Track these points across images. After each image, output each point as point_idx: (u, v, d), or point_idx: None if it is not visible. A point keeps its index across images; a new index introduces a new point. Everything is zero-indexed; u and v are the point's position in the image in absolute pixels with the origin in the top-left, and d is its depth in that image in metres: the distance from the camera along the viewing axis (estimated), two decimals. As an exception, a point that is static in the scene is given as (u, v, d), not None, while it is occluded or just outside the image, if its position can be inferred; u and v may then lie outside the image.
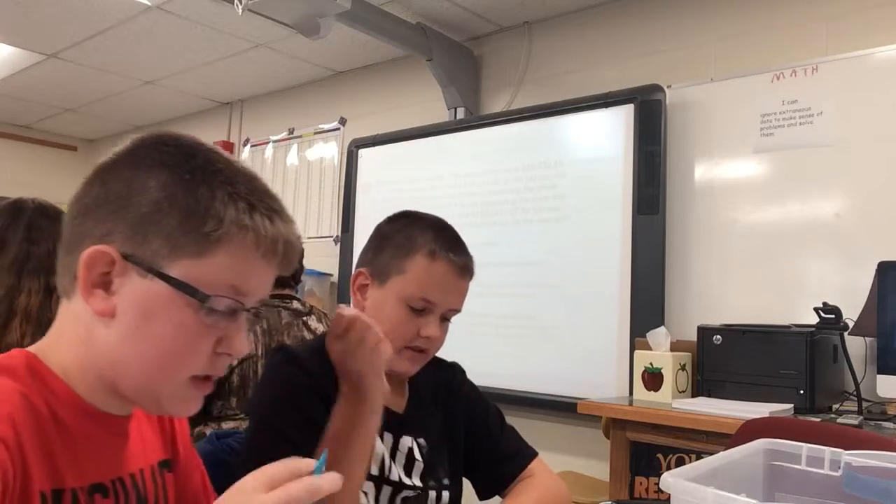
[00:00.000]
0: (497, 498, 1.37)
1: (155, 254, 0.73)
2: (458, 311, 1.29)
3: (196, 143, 0.79)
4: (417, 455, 1.29)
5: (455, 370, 1.45)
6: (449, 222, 1.33)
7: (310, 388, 1.18)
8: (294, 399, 1.17)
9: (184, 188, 0.74)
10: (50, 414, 0.72)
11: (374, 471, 1.24)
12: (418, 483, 1.28)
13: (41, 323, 1.55)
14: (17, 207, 1.68)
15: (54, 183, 6.10)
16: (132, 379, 0.75)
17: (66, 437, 0.73)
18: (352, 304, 1.31)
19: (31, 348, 0.78)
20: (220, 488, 1.04)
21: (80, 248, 0.74)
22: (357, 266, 1.32)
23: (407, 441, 1.29)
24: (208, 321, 0.75)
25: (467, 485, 1.41)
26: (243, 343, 0.78)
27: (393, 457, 1.27)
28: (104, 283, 0.74)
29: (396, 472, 1.27)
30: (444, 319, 1.28)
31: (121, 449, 0.80)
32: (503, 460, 1.38)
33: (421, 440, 1.31)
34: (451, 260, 1.24)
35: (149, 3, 3.43)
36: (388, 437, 1.28)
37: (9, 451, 0.66)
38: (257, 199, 0.76)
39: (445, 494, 1.32)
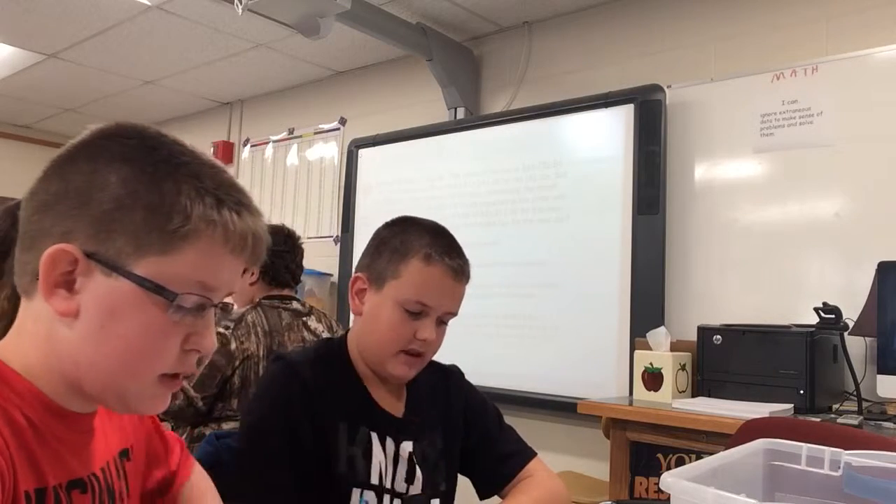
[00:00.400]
0: (496, 498, 1.37)
1: (119, 252, 0.71)
2: (454, 314, 1.30)
3: (158, 134, 0.76)
4: (417, 461, 1.29)
5: (453, 373, 1.45)
6: (446, 227, 1.34)
7: (302, 403, 1.20)
8: (282, 415, 1.19)
9: (147, 183, 0.71)
10: (19, 415, 0.71)
11: (375, 480, 1.24)
12: (418, 490, 1.28)
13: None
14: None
15: (54, 183, 6.11)
16: (97, 379, 0.73)
17: (38, 436, 0.72)
18: (350, 308, 1.32)
19: None
20: (220, 488, 1.05)
21: (39, 245, 0.72)
22: (355, 270, 1.33)
23: (407, 447, 1.29)
24: (175, 318, 0.73)
25: (467, 484, 1.41)
26: (211, 339, 0.77)
27: (395, 463, 1.27)
28: (66, 283, 0.71)
29: (398, 480, 1.27)
30: (441, 323, 1.29)
31: (88, 445, 0.79)
32: (502, 460, 1.38)
33: (420, 445, 1.31)
34: (446, 263, 1.25)
35: (149, 3, 3.43)
36: (390, 443, 1.28)
37: (0, 451, 0.66)
38: (224, 192, 0.74)
39: (441, 500, 1.32)
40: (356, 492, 1.22)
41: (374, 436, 1.26)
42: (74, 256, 0.71)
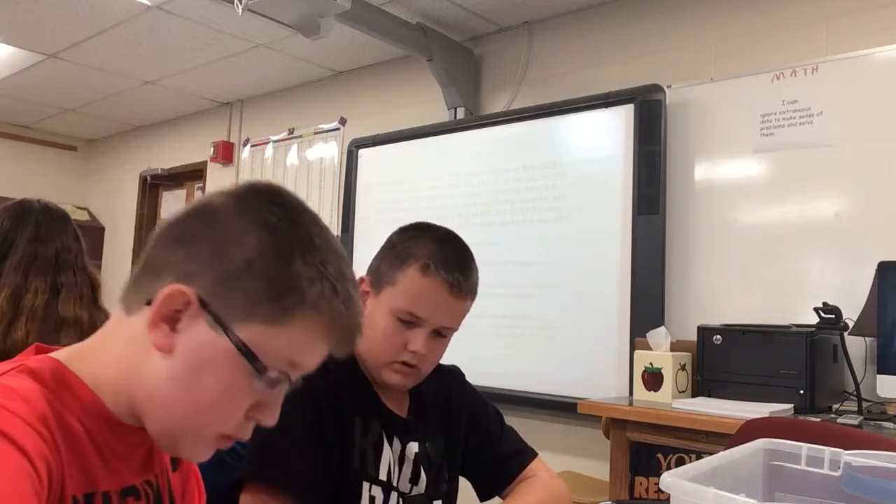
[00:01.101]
0: (497, 498, 1.37)
1: (231, 310, 0.73)
2: (452, 329, 1.26)
3: (302, 209, 0.79)
4: (422, 461, 1.30)
5: (454, 374, 1.45)
6: (461, 237, 1.29)
7: (325, 394, 1.19)
8: (307, 404, 1.16)
9: (279, 256, 0.74)
10: (76, 422, 0.72)
11: (383, 476, 1.24)
12: (422, 490, 1.28)
13: (46, 321, 1.57)
14: (24, 209, 1.70)
15: (55, 183, 6.12)
16: (163, 418, 0.75)
17: (93, 444, 0.74)
18: None
19: (60, 355, 0.77)
20: (220, 488, 1.05)
21: (161, 273, 0.74)
22: (366, 273, 1.31)
23: (413, 447, 1.29)
24: (255, 387, 0.75)
25: (467, 485, 1.41)
26: (275, 415, 0.78)
27: (400, 463, 1.27)
28: (172, 320, 0.73)
29: (402, 480, 1.27)
30: (439, 335, 1.25)
31: (141, 455, 0.80)
32: (503, 460, 1.38)
33: (425, 446, 1.31)
34: (443, 277, 1.20)
35: (149, 3, 3.43)
36: (397, 442, 1.27)
37: (48, 448, 0.67)
38: (341, 283, 0.76)
39: (444, 502, 1.32)
40: (366, 485, 1.22)
41: (384, 433, 1.26)
42: (190, 300, 0.73)
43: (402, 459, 1.28)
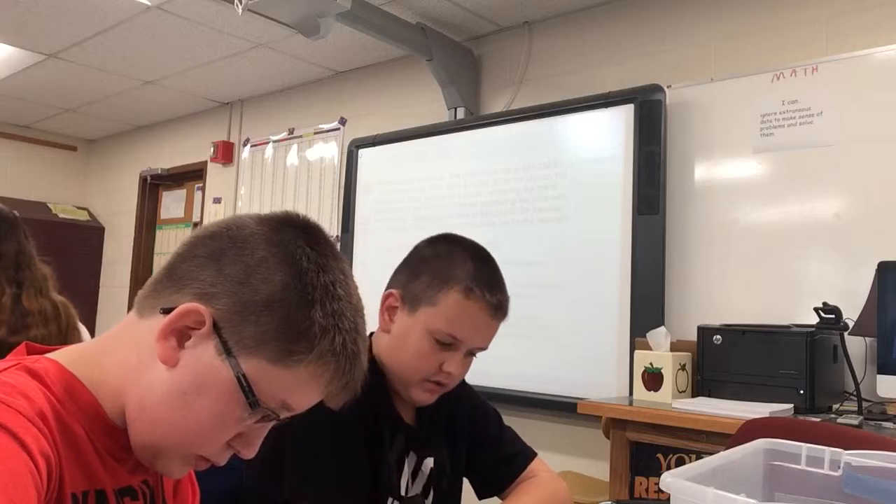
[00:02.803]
0: (496, 498, 1.37)
1: (241, 341, 0.73)
2: (484, 349, 1.25)
3: (333, 254, 0.79)
4: (435, 476, 1.29)
5: None
6: (489, 252, 1.27)
7: (353, 404, 1.18)
8: (331, 413, 1.15)
9: (301, 299, 0.74)
10: (78, 427, 0.73)
11: (403, 490, 1.23)
12: (432, 501, 1.28)
13: (14, 314, 1.67)
14: None
15: (55, 183, 6.12)
16: (148, 432, 0.75)
17: (93, 447, 0.74)
18: (378, 324, 1.26)
19: (61, 356, 0.77)
20: (221, 488, 1.05)
21: (183, 286, 0.75)
22: (389, 286, 1.27)
23: (429, 462, 1.29)
24: (244, 419, 0.75)
25: (466, 485, 1.41)
26: (255, 448, 0.79)
27: (413, 476, 1.26)
28: (182, 335, 0.74)
29: (414, 492, 1.26)
30: (470, 354, 1.25)
31: (133, 458, 0.80)
32: (504, 461, 1.38)
33: (435, 456, 1.30)
34: (487, 300, 1.19)
35: (149, 4, 3.43)
36: (412, 455, 1.27)
37: (48, 444, 0.67)
38: (352, 338, 0.76)
39: None
40: (390, 500, 1.21)
41: (405, 446, 1.26)
42: (204, 320, 0.73)
43: (415, 473, 1.27)
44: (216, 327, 0.73)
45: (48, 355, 0.77)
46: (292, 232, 0.78)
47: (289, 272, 0.74)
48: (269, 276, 0.74)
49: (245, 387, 0.73)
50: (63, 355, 0.78)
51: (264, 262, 0.75)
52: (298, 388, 0.75)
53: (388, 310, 1.25)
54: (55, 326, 1.71)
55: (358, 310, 0.79)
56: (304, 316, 0.73)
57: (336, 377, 0.76)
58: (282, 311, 0.73)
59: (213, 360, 0.73)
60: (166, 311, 0.74)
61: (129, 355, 0.76)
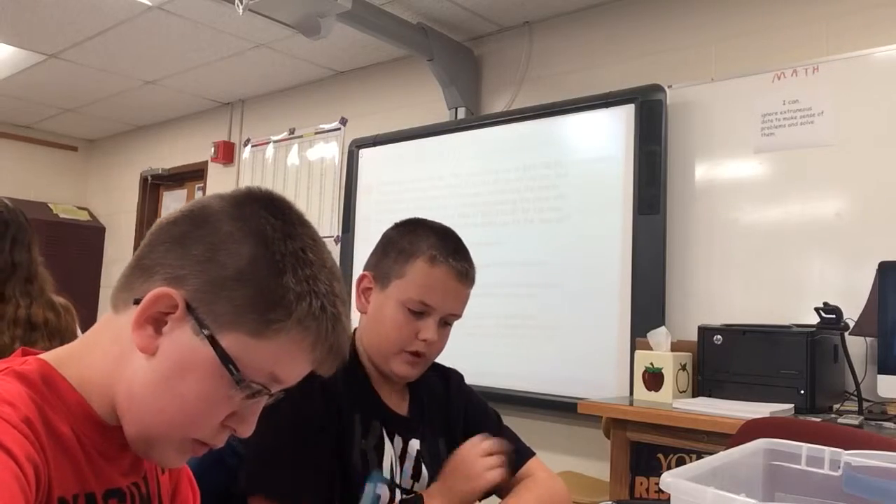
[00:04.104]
0: (495, 497, 1.37)
1: (217, 318, 0.72)
2: (458, 316, 1.30)
3: (300, 221, 0.78)
4: (424, 458, 1.30)
5: (452, 376, 1.46)
6: (454, 230, 1.34)
7: (323, 395, 1.19)
8: (306, 406, 1.17)
9: (270, 269, 0.73)
10: (65, 426, 0.72)
11: (387, 474, 1.25)
12: (424, 487, 1.29)
13: (25, 328, 1.63)
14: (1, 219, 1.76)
15: (55, 183, 6.12)
16: (138, 421, 0.75)
17: (81, 447, 0.74)
18: (354, 306, 1.30)
19: (49, 357, 0.77)
20: (218, 487, 1.04)
21: (151, 274, 0.74)
22: (364, 269, 1.34)
23: (415, 444, 1.30)
24: (233, 396, 0.74)
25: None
26: (251, 425, 0.78)
27: (402, 461, 1.28)
28: (157, 322, 0.73)
29: (404, 477, 1.28)
30: (445, 324, 1.29)
31: (128, 457, 0.80)
32: None
33: (426, 443, 1.32)
34: (451, 265, 1.26)
35: (149, 4, 3.43)
36: (398, 440, 1.28)
37: (34, 450, 0.67)
38: (330, 301, 0.75)
39: None
40: (369, 485, 1.22)
41: (385, 431, 1.27)
42: (176, 303, 0.72)
43: (403, 457, 1.28)
44: (189, 308, 0.72)
45: (39, 356, 0.77)
46: (255, 205, 0.77)
47: (255, 243, 0.73)
48: (236, 249, 0.73)
49: (228, 362, 0.72)
50: (50, 356, 0.77)
51: (229, 236, 0.74)
52: (283, 358, 0.74)
53: (363, 292, 1.31)
54: (58, 340, 1.68)
55: (333, 273, 0.78)
56: (276, 284, 0.72)
57: (319, 341, 0.75)
58: (253, 283, 0.72)
59: (192, 342, 0.72)
60: (138, 302, 0.73)
61: (110, 350, 0.76)
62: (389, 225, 1.37)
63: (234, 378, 0.73)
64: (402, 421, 1.30)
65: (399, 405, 1.33)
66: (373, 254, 1.34)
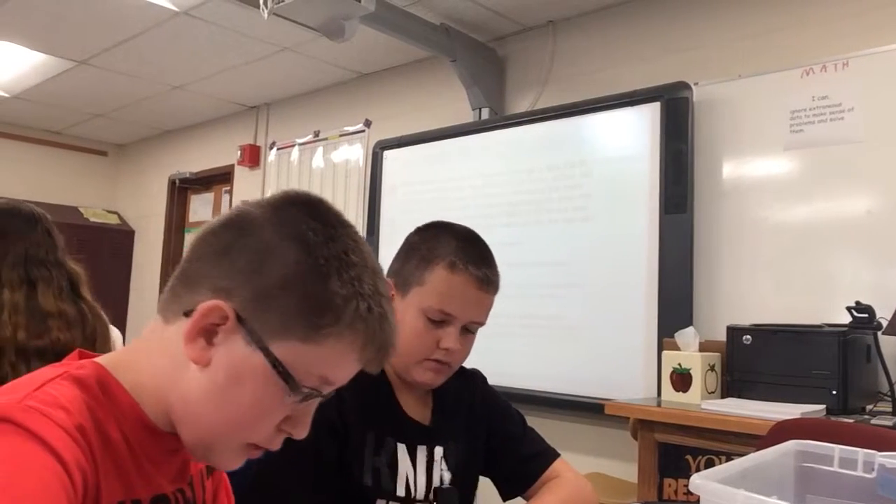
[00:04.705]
0: (520, 499, 1.36)
1: (267, 327, 0.73)
2: (481, 323, 1.27)
3: (339, 223, 0.79)
4: (447, 466, 1.29)
5: (476, 377, 1.45)
6: (479, 234, 1.30)
7: (330, 410, 1.17)
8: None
9: (315, 273, 0.73)
10: (115, 430, 0.73)
11: (401, 492, 1.24)
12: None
13: (32, 314, 1.59)
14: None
15: (85, 187, 6.22)
16: (196, 429, 0.76)
17: (130, 452, 0.74)
18: None
19: (105, 361, 0.78)
20: (236, 489, 1.05)
21: (198, 286, 0.75)
22: (387, 275, 1.31)
23: (439, 451, 1.29)
24: (286, 402, 0.75)
25: (488, 484, 1.41)
26: (306, 427, 0.79)
27: (429, 469, 1.27)
28: (208, 334, 0.74)
29: (434, 484, 1.26)
30: (468, 331, 1.26)
31: (176, 462, 0.81)
32: (526, 461, 1.37)
33: (450, 450, 1.31)
34: (471, 273, 1.22)
35: (176, 9, 3.47)
36: (422, 449, 1.27)
37: (85, 457, 0.68)
38: (376, 301, 0.76)
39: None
40: (381, 502, 1.22)
41: (402, 447, 1.26)
42: (227, 315, 0.73)
43: (430, 465, 1.27)
44: (240, 319, 0.73)
45: (95, 360, 0.78)
46: (294, 209, 0.77)
47: (297, 249, 0.74)
48: (279, 256, 0.73)
49: (281, 371, 0.73)
50: (105, 360, 0.79)
51: (272, 244, 0.74)
52: (334, 361, 0.75)
53: None
54: (79, 331, 1.63)
55: (376, 272, 0.78)
56: (322, 289, 0.73)
57: (368, 342, 0.76)
58: (299, 289, 0.73)
59: (244, 351, 0.73)
60: (188, 314, 0.74)
61: (161, 361, 0.77)
62: (414, 226, 1.35)
63: (287, 384, 0.73)
64: (424, 430, 1.29)
65: (422, 412, 1.31)
66: (395, 259, 1.32)
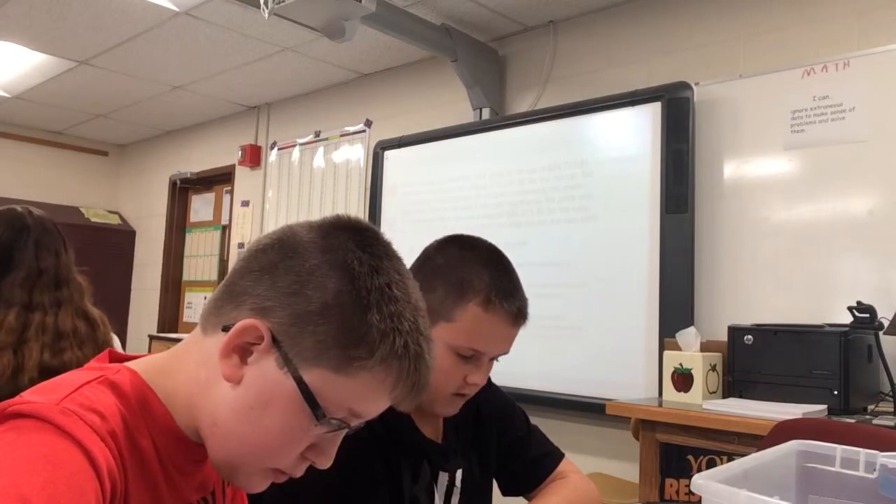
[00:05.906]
0: (521, 498, 1.36)
1: (300, 353, 0.72)
2: (506, 353, 1.21)
3: (387, 254, 0.78)
4: (469, 483, 1.28)
5: None
6: (503, 252, 1.21)
7: (371, 444, 1.14)
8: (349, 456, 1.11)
9: (356, 304, 0.72)
10: (147, 440, 0.73)
11: None
12: None
13: (58, 334, 1.59)
14: (22, 222, 1.70)
15: (86, 187, 6.22)
16: (223, 447, 0.76)
17: (160, 462, 0.75)
18: None
19: (139, 366, 0.78)
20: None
21: (240, 302, 0.75)
22: None
23: (459, 474, 1.27)
24: (313, 430, 0.74)
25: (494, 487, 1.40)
26: (330, 458, 0.78)
27: (449, 491, 1.24)
28: (243, 352, 0.74)
29: None
30: (492, 359, 1.21)
31: (202, 471, 0.81)
32: (532, 462, 1.37)
33: (464, 466, 1.29)
34: (506, 310, 1.14)
35: (177, 10, 3.47)
36: (444, 476, 1.25)
37: (116, 464, 0.68)
38: (414, 339, 0.75)
39: None
40: None
41: (433, 472, 1.24)
42: (262, 335, 0.73)
43: (450, 487, 1.25)
44: (275, 341, 0.72)
45: (128, 364, 0.78)
46: (343, 236, 0.76)
47: (341, 278, 0.73)
48: (322, 283, 0.73)
49: (309, 398, 0.72)
50: (140, 365, 0.78)
51: (316, 269, 0.73)
52: (364, 395, 0.74)
53: None
54: (91, 349, 1.63)
55: (418, 309, 0.77)
56: (360, 321, 0.72)
57: (401, 380, 0.74)
58: (338, 319, 0.72)
59: (276, 375, 0.72)
60: (226, 329, 0.74)
61: (196, 372, 0.77)
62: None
63: (314, 413, 0.73)
64: (443, 453, 1.25)
65: (434, 430, 1.28)
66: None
